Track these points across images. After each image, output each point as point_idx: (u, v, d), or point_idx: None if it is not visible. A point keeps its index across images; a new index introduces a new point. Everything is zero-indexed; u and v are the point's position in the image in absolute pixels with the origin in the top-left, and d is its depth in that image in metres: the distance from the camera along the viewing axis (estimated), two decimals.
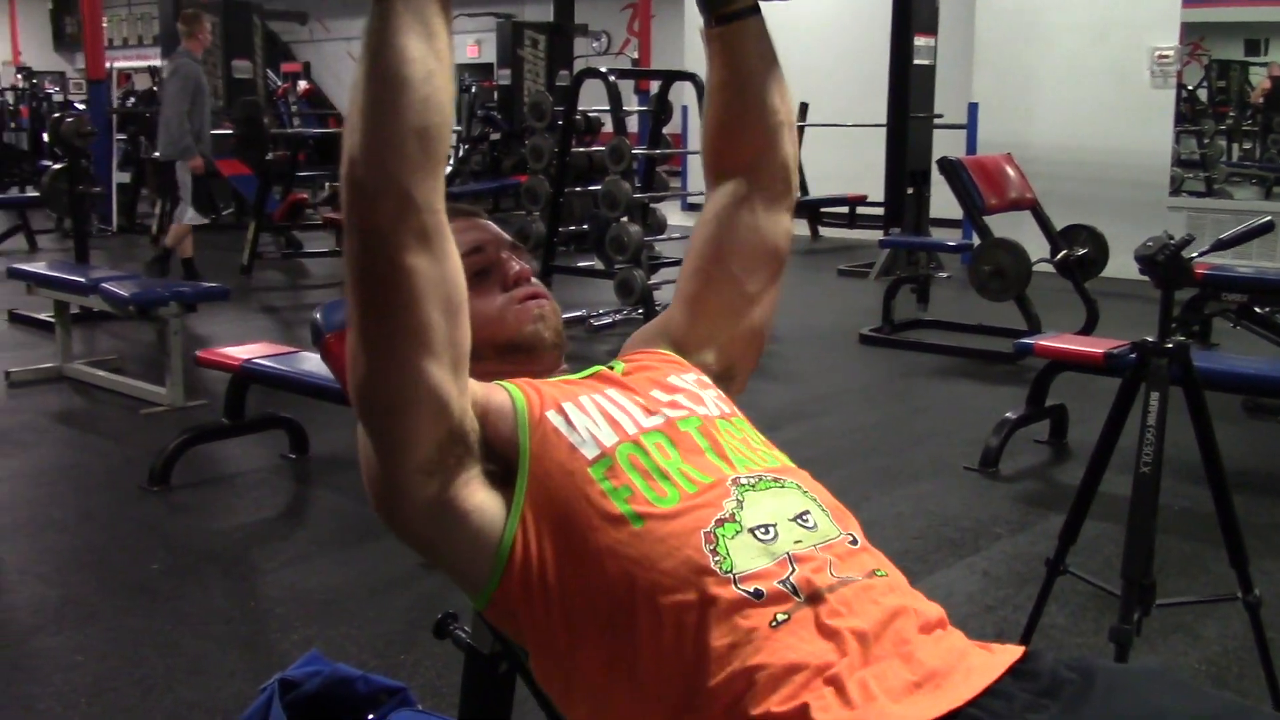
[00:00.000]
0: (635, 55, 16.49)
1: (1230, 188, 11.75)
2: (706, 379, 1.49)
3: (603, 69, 7.28)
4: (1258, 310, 5.48)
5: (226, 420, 4.24)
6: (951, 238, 9.27)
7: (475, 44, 20.38)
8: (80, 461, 4.60)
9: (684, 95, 8.40)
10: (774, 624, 1.15)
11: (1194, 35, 9.21)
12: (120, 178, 11.63)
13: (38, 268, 5.89)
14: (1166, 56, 8.71)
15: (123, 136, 12.06)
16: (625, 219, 6.67)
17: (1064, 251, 6.43)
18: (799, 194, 1.65)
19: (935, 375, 5.98)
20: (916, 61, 8.87)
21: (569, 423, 1.31)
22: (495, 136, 14.28)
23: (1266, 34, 14.02)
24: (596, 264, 7.54)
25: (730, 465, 1.31)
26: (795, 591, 1.17)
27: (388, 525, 1.36)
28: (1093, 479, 2.38)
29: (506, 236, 1.56)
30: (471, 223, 1.55)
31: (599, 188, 7.03)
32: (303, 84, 19.63)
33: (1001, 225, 6.51)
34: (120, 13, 23.30)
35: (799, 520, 1.25)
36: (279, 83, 17.50)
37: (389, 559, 3.40)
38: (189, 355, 4.86)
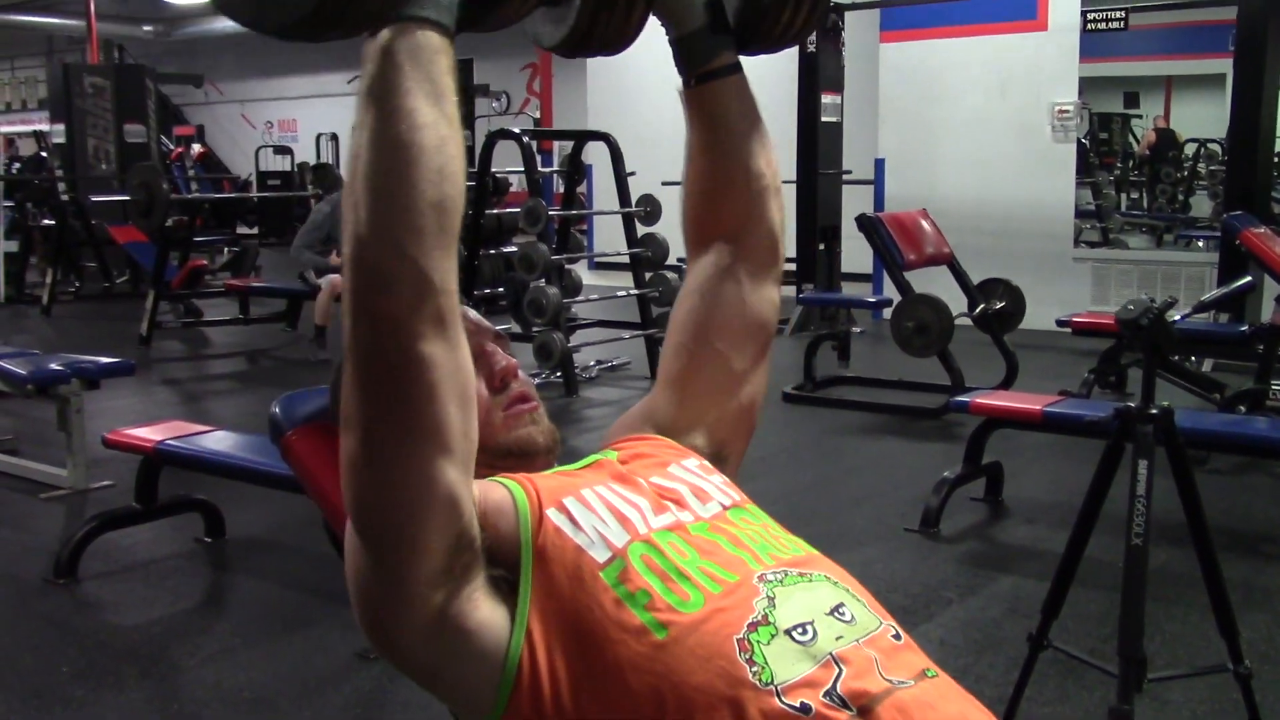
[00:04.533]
0: (536, 115, 16.45)
1: (1124, 236, 12.08)
2: (707, 463, 1.39)
3: (515, 130, 7.19)
4: (1174, 360, 5.57)
5: (138, 504, 4.00)
6: (863, 292, 9.33)
7: None
8: None
9: (590, 155, 8.38)
10: None
11: None
12: (8, 246, 11.19)
13: None
14: (1067, 111, 8.88)
15: (9, 203, 11.62)
16: (543, 281, 6.56)
17: (982, 305, 6.46)
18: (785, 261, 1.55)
19: (863, 433, 5.93)
20: (823, 119, 8.98)
21: (574, 522, 1.19)
22: None
23: (1141, 88, 14.57)
24: (513, 326, 7.40)
25: (755, 558, 1.20)
26: (845, 703, 1.05)
27: (381, 652, 1.21)
28: (1076, 550, 2.30)
29: (490, 325, 1.44)
30: None
31: (511, 249, 6.91)
32: (197, 147, 19.30)
33: (917, 281, 6.52)
34: (3, 77, 22.71)
35: (835, 614, 1.14)
36: (171, 146, 17.14)
37: (320, 650, 3.21)
38: (91, 434, 4.61)
